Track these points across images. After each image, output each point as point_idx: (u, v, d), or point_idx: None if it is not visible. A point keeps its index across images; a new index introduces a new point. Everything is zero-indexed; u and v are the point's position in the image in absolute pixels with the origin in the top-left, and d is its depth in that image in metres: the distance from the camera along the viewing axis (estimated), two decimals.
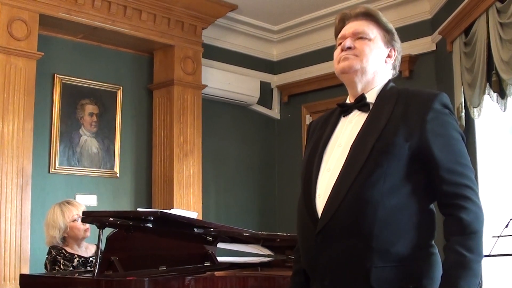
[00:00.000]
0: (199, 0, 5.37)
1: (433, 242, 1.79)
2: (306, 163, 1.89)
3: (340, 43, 1.91)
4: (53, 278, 3.01)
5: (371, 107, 1.85)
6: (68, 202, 3.65)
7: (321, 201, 1.77)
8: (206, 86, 5.62)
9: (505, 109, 4.02)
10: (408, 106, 1.77)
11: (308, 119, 6.16)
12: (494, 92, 4.05)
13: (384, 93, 1.86)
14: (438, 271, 1.73)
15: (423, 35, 5.31)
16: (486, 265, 4.24)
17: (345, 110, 1.91)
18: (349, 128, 1.85)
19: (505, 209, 4.23)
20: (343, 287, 1.73)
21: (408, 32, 5.29)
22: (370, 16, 1.91)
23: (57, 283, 2.93)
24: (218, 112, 6.04)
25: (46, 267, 3.52)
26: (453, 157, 1.72)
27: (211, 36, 5.83)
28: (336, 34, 1.97)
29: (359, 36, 1.88)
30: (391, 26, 1.93)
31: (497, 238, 3.32)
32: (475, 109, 4.31)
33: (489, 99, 4.16)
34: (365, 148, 1.74)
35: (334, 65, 1.92)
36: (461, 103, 4.50)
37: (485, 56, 4.09)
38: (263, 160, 6.37)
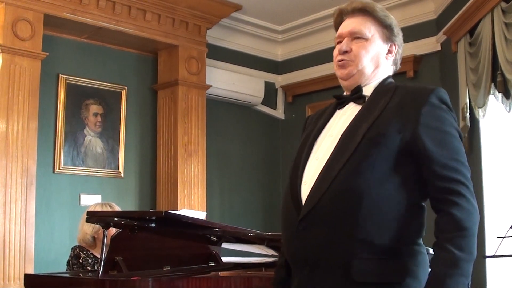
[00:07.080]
0: (203, 0, 5.38)
1: (420, 241, 1.72)
2: (297, 153, 1.88)
3: (339, 41, 1.88)
4: (58, 278, 3.01)
5: (366, 99, 1.81)
6: (110, 205, 3.63)
7: (306, 188, 1.73)
8: (211, 86, 5.62)
9: (510, 109, 4.00)
10: (404, 100, 1.72)
11: None
12: (499, 92, 4.04)
13: (381, 87, 1.83)
14: (424, 271, 1.67)
15: (428, 35, 5.29)
16: (491, 265, 4.24)
17: (341, 102, 1.88)
18: (342, 119, 1.82)
19: (510, 209, 4.22)
20: (323, 277, 1.67)
21: (412, 32, 5.28)
22: (366, 12, 1.85)
23: (62, 282, 2.93)
24: (222, 112, 6.04)
25: (68, 264, 3.52)
26: (448, 152, 1.65)
27: (216, 36, 5.84)
28: (336, 28, 1.93)
29: (355, 36, 1.84)
30: (391, 21, 1.87)
31: (502, 238, 3.30)
32: (479, 110, 4.30)
33: (494, 100, 4.15)
34: (355, 137, 1.70)
35: (334, 66, 1.90)
36: (466, 104, 4.49)
37: (490, 56, 4.09)
38: (267, 160, 6.36)
